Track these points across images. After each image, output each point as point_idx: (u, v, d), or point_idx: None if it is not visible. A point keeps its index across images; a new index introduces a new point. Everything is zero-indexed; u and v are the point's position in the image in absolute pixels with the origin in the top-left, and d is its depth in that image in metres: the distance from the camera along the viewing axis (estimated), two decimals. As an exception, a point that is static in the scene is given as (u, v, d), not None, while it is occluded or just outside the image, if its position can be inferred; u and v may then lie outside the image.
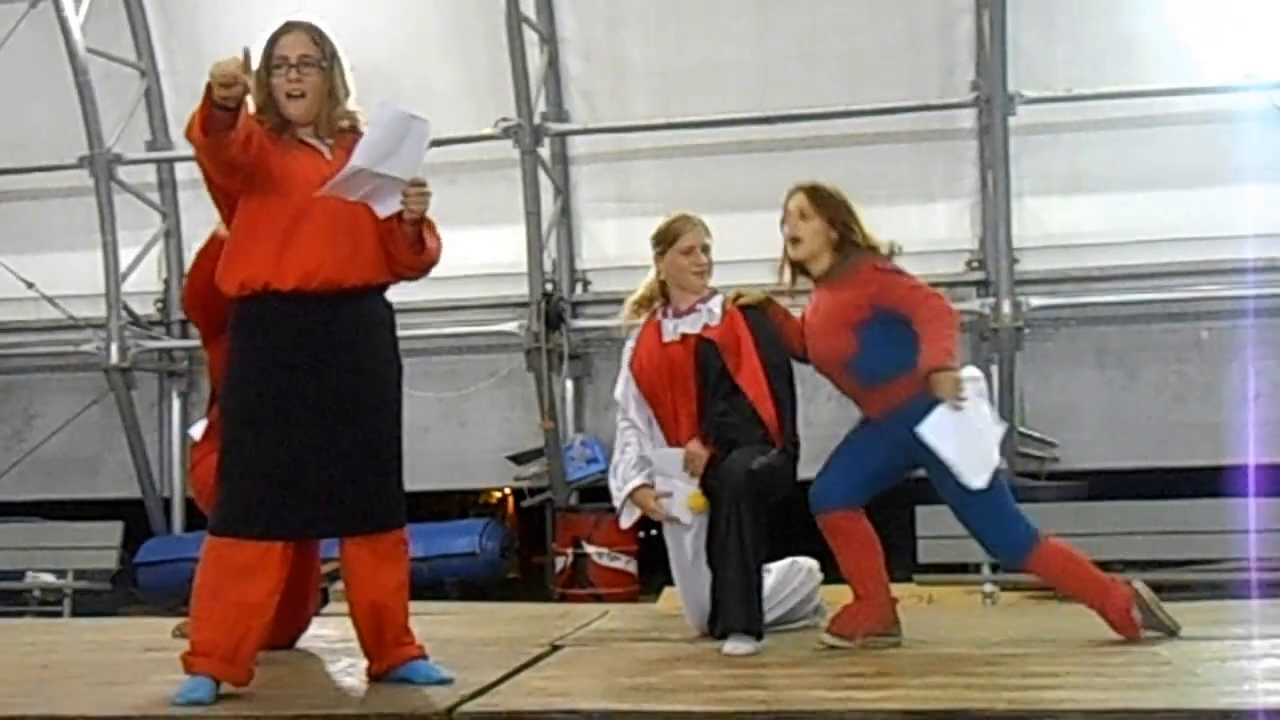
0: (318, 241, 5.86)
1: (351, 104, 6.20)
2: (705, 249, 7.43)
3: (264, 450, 5.80)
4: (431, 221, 6.11)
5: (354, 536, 5.95)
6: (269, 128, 5.97)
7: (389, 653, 6.04)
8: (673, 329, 7.42)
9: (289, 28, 6.22)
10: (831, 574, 7.74)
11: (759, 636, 6.79)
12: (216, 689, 5.61)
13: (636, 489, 7.42)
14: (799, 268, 7.08)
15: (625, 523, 7.69)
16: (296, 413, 5.80)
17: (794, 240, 6.97)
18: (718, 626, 6.90)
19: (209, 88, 5.66)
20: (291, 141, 6.02)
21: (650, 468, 7.44)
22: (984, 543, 6.96)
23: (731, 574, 6.81)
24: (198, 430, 6.88)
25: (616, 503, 7.59)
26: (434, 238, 6.14)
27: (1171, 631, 6.85)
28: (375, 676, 6.05)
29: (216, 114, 5.73)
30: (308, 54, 6.09)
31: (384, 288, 6.13)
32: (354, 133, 6.06)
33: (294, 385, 5.82)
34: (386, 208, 5.90)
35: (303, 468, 5.76)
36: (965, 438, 6.51)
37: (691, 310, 7.40)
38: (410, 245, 6.04)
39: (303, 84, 6.03)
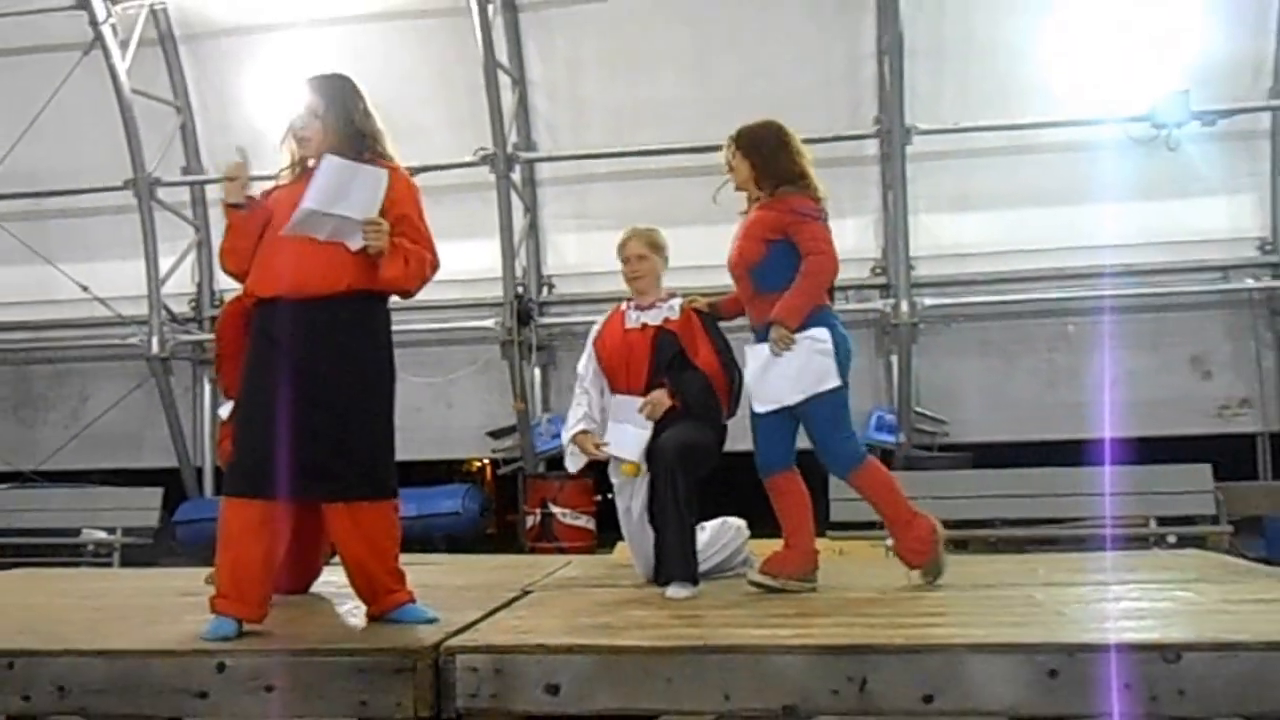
0: (289, 259, 5.91)
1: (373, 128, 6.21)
2: (639, 257, 7.51)
3: (258, 427, 5.89)
4: (410, 251, 6.07)
5: (333, 503, 5.97)
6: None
7: (381, 599, 6.03)
8: (635, 319, 7.49)
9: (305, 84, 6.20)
10: (759, 530, 7.74)
11: (695, 582, 6.79)
12: (239, 627, 5.62)
13: (578, 434, 7.51)
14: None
15: (571, 466, 7.72)
16: (281, 397, 5.85)
17: (730, 173, 7.05)
18: (660, 575, 6.90)
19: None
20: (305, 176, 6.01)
21: (594, 424, 7.52)
22: (821, 453, 6.87)
23: (669, 534, 6.84)
24: (225, 411, 6.93)
25: (564, 446, 7.65)
26: (396, 266, 6.02)
27: (938, 575, 6.84)
28: (373, 617, 6.03)
29: (237, 214, 6.01)
30: (310, 104, 6.09)
31: (358, 295, 6.02)
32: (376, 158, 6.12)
33: (278, 375, 5.89)
34: (354, 243, 5.91)
35: (286, 442, 5.81)
36: (770, 373, 6.70)
37: (653, 306, 7.46)
38: (382, 271, 6.03)
39: (307, 130, 6.08)
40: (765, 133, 7.01)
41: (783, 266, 6.73)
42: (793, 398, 6.71)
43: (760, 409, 6.81)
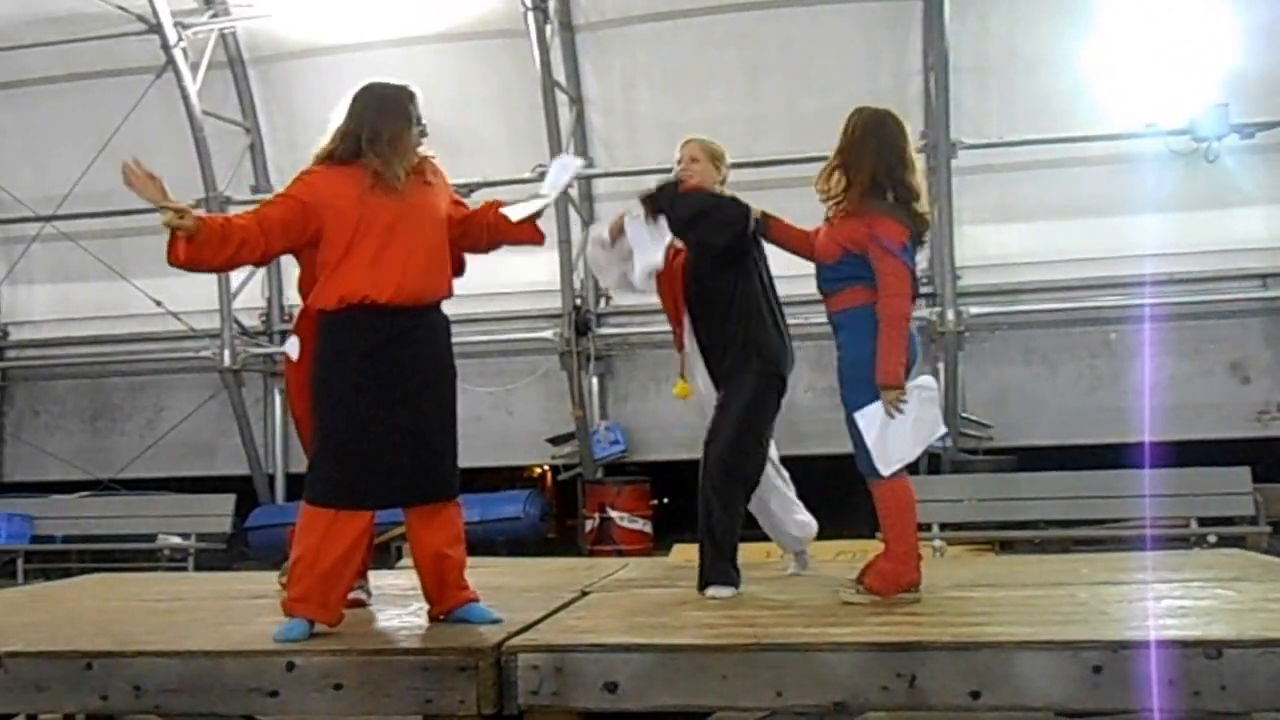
0: (404, 261, 5.91)
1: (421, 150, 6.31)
2: (691, 159, 7.32)
3: (351, 436, 5.81)
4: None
5: (418, 506, 5.96)
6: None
7: (449, 596, 6.03)
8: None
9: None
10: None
11: (735, 586, 6.71)
12: (310, 628, 5.64)
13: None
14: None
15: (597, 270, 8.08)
16: (377, 407, 5.81)
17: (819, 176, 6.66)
18: (700, 581, 6.75)
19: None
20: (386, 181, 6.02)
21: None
22: (858, 452, 6.47)
23: (708, 545, 6.76)
24: (292, 348, 6.17)
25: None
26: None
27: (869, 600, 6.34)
28: (435, 618, 6.03)
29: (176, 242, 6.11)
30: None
31: (443, 300, 6.15)
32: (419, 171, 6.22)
33: (376, 384, 5.83)
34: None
35: (379, 451, 5.79)
36: (888, 433, 6.36)
37: None
38: (530, 230, 6.61)
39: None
40: (877, 142, 6.52)
41: (853, 274, 6.40)
42: (915, 453, 6.48)
43: (888, 472, 6.39)
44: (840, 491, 7.00)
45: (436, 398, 6.00)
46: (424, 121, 6.31)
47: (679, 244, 7.18)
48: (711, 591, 6.65)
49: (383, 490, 5.81)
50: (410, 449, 5.85)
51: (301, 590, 5.73)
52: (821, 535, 7.72)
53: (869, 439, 6.38)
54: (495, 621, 5.86)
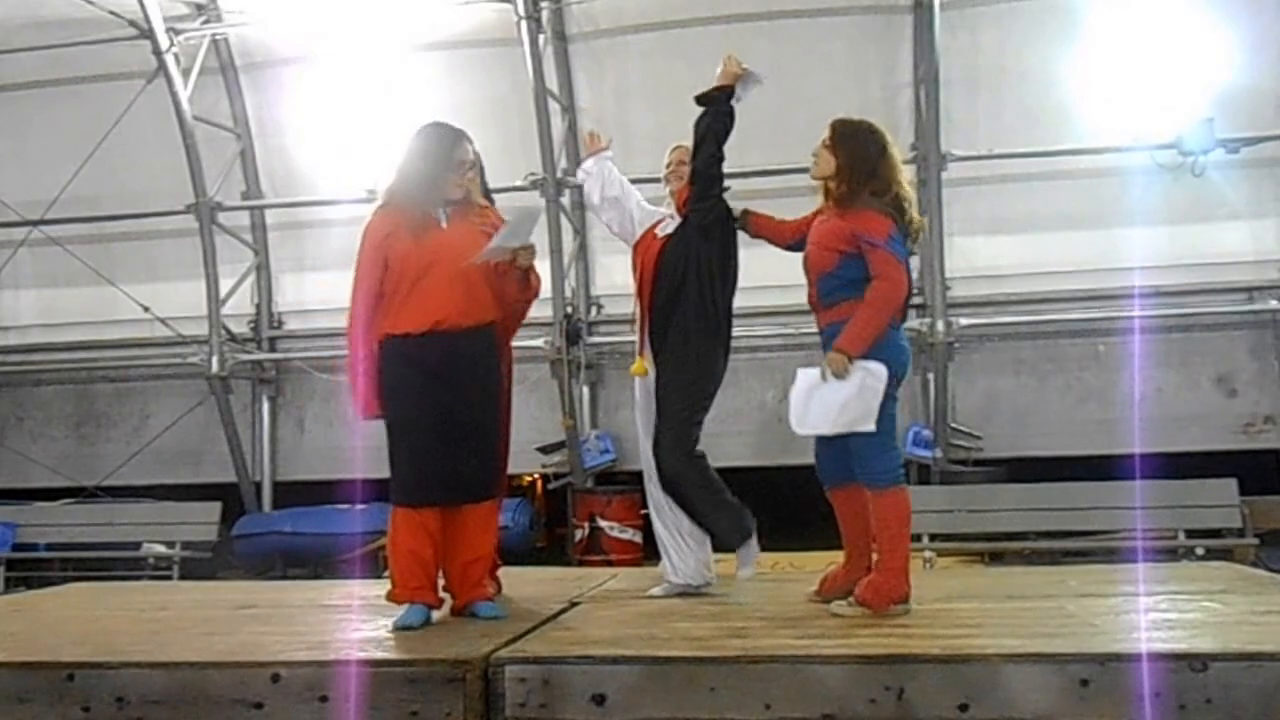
0: (441, 293, 6.57)
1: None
2: (680, 162, 7.77)
3: (417, 448, 6.51)
4: (534, 267, 6.95)
5: (469, 504, 6.61)
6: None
7: (474, 590, 6.64)
8: (664, 227, 7.70)
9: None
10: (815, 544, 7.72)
11: (750, 534, 7.09)
12: (427, 612, 6.40)
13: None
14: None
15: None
16: (435, 421, 6.54)
17: (814, 163, 6.74)
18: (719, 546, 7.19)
19: None
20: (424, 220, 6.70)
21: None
22: (855, 462, 6.48)
23: (706, 518, 7.16)
24: None
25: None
26: (536, 278, 7.02)
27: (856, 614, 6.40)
28: (456, 611, 6.60)
29: None
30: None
31: (492, 325, 6.82)
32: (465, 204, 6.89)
33: (430, 402, 6.53)
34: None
35: (440, 458, 6.50)
36: (813, 398, 6.45)
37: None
38: (518, 282, 6.87)
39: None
40: (863, 130, 6.67)
41: (851, 281, 6.44)
42: (828, 429, 6.44)
43: (799, 431, 6.54)
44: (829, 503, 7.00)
45: (481, 414, 6.72)
46: (474, 160, 7.00)
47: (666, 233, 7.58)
48: (744, 572, 7.17)
49: (444, 491, 6.54)
50: (462, 458, 6.56)
51: (402, 581, 6.51)
52: (810, 546, 7.76)
53: (795, 394, 6.56)
54: (500, 618, 6.38)
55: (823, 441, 6.71)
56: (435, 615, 6.47)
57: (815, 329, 6.78)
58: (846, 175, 6.57)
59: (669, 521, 7.44)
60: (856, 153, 6.58)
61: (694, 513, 7.17)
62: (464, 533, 6.60)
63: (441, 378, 6.53)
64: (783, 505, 7.83)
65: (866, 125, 6.71)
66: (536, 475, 19.11)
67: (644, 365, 7.43)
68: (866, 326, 6.34)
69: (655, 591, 7.46)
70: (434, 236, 6.64)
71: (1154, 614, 6.13)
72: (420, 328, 6.53)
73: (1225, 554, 12.26)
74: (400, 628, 6.20)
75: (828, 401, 6.39)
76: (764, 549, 7.39)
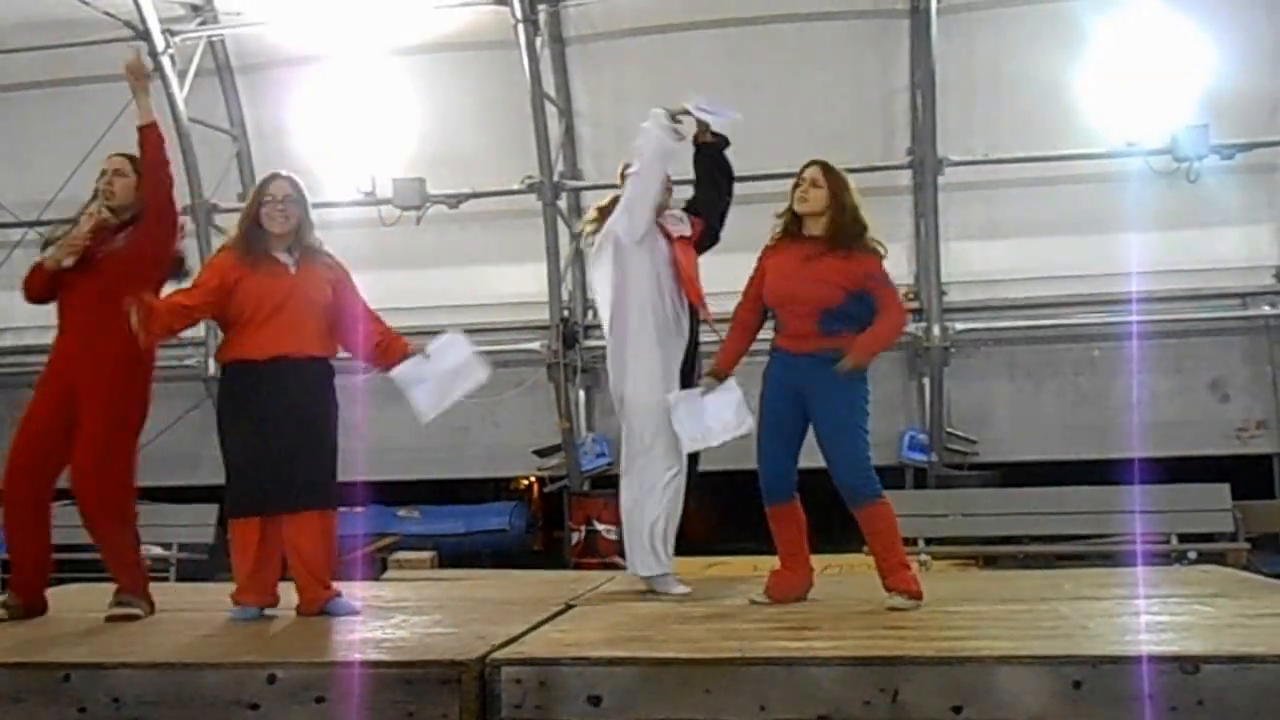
0: (283, 327, 7.02)
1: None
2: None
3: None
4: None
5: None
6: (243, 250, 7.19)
7: (314, 595, 6.96)
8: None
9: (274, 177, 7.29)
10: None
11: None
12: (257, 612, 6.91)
13: None
14: (797, 221, 7.13)
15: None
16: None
17: (803, 199, 7.05)
18: None
19: None
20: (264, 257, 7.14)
21: None
22: (836, 477, 6.90)
23: None
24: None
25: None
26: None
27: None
28: (304, 613, 6.91)
29: None
30: (290, 194, 7.14)
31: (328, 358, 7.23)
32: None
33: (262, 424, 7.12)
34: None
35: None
36: (694, 409, 7.31)
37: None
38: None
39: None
40: (842, 176, 7.12)
41: (854, 313, 6.91)
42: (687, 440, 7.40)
43: (700, 446, 7.48)
44: (833, 508, 7.07)
45: (312, 435, 7.13)
46: (279, 199, 7.13)
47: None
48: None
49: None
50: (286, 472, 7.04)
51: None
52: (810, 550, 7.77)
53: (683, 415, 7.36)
54: (355, 613, 6.83)
55: (774, 449, 7.09)
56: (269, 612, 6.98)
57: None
58: (839, 212, 7.03)
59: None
60: (845, 192, 7.07)
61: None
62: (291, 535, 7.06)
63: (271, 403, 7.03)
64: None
65: (841, 171, 7.20)
66: (533, 478, 19.14)
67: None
68: (878, 346, 7.02)
69: (678, 590, 7.58)
70: (275, 274, 7.11)
71: (1147, 617, 6.15)
72: (262, 355, 7.09)
73: (1218, 558, 12.27)
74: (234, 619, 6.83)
75: (706, 411, 7.32)
76: (751, 552, 7.59)
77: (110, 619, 6.82)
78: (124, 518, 7.53)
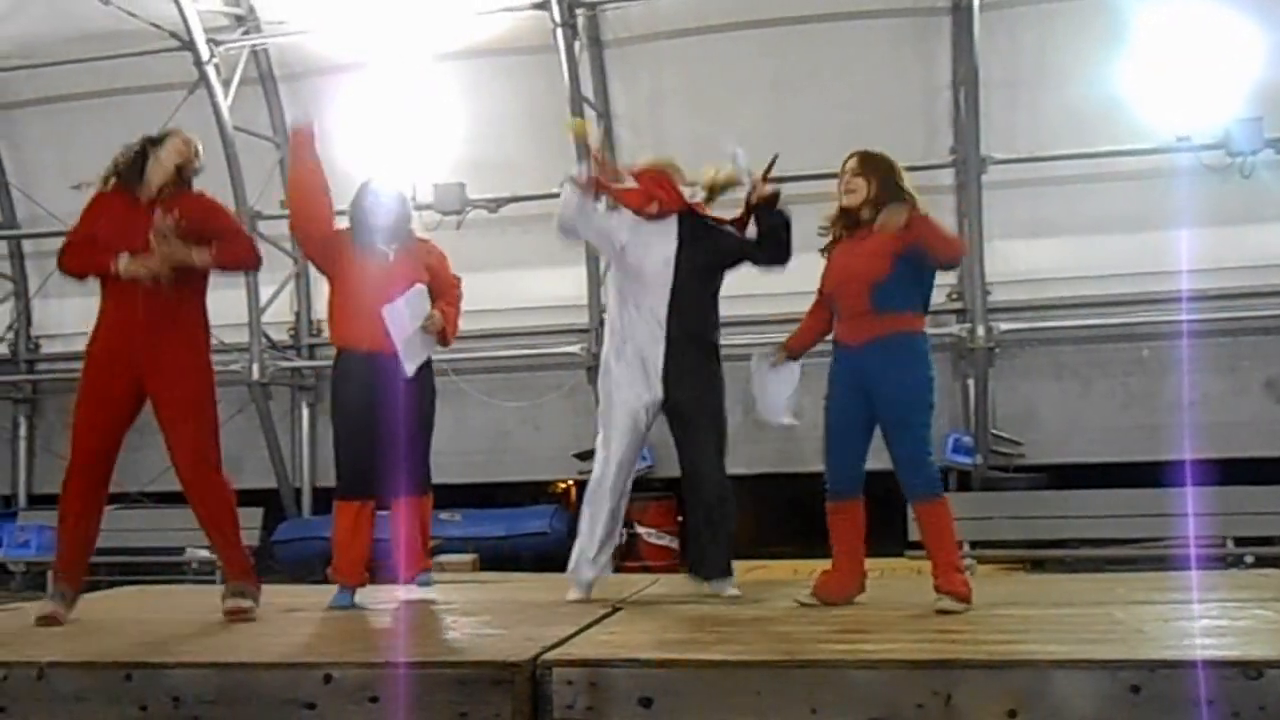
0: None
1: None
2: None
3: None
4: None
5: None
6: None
7: (414, 567, 7.82)
8: None
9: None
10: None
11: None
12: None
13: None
14: (847, 214, 7.06)
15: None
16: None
17: (849, 192, 7.01)
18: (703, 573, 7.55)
19: None
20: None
21: None
22: (899, 472, 6.84)
23: (723, 542, 7.51)
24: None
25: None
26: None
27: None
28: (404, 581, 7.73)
29: None
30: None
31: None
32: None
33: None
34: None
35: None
36: (761, 379, 7.40)
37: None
38: None
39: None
40: (884, 159, 7.08)
41: (905, 286, 6.83)
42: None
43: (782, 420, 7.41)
44: (872, 510, 7.05)
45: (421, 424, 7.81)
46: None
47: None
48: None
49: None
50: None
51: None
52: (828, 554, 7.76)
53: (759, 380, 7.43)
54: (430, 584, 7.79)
55: (840, 449, 7.01)
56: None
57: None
58: (881, 190, 6.92)
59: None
60: (888, 178, 6.96)
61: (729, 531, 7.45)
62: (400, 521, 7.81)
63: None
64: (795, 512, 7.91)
65: (884, 154, 7.15)
66: (573, 481, 19.15)
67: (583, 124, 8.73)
68: (929, 226, 6.74)
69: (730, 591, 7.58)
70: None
71: (1205, 621, 6.08)
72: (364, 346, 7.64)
73: (1276, 562, 12.15)
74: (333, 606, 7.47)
75: (773, 383, 7.38)
76: (792, 556, 7.57)
77: (229, 613, 6.94)
78: (231, 506, 7.75)
